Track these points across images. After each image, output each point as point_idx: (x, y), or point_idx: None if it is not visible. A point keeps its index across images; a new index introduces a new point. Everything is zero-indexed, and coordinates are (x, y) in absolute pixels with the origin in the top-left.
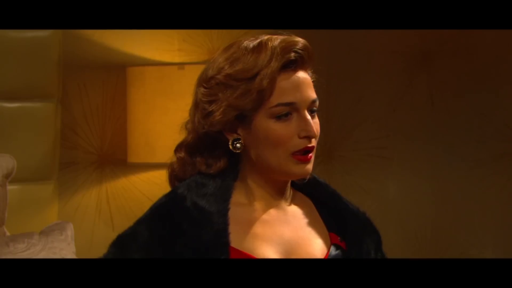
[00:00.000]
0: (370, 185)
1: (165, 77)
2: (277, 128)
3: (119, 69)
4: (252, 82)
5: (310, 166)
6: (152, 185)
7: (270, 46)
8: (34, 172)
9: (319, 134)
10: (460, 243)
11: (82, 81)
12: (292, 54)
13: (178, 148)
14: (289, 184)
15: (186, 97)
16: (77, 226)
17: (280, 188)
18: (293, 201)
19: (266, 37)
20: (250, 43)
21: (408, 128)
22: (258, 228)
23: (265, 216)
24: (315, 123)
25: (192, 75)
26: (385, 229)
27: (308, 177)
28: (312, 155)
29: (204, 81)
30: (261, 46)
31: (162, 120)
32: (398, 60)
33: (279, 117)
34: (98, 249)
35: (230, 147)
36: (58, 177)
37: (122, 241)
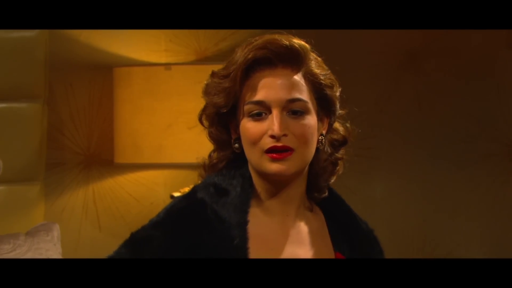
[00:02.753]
0: (357, 186)
1: (152, 77)
2: (250, 126)
3: (106, 70)
4: (227, 80)
5: (287, 164)
6: (139, 186)
7: (250, 43)
8: (20, 172)
9: (306, 135)
10: (447, 243)
11: (68, 82)
12: (261, 52)
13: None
14: (298, 194)
15: (173, 97)
16: (63, 226)
17: (285, 194)
18: (305, 215)
19: (258, 36)
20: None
21: (395, 128)
22: (272, 244)
23: (279, 231)
24: (297, 124)
25: (179, 76)
26: None
27: (285, 175)
28: (288, 154)
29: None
30: (244, 44)
31: (149, 120)
32: (384, 60)
33: (252, 116)
34: (84, 250)
35: (233, 146)
36: (45, 177)
37: (135, 243)
